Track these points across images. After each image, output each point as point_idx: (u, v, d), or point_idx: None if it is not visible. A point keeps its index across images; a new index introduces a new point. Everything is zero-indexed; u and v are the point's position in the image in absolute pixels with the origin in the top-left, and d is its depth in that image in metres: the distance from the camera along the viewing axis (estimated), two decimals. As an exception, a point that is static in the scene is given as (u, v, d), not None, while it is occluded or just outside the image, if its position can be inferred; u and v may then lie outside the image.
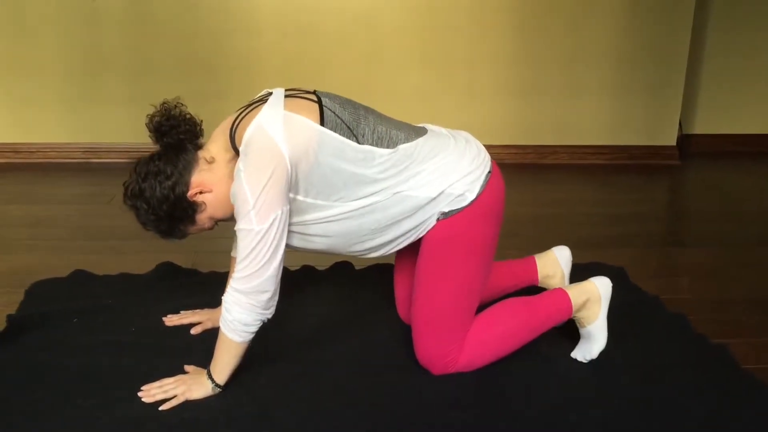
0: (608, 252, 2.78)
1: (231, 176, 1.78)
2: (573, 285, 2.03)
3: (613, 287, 2.02)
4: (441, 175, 1.81)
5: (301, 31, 3.81)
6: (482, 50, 3.90)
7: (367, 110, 1.85)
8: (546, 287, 2.22)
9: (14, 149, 3.93)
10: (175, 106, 1.83)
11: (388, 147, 1.78)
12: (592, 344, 1.98)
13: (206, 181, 1.80)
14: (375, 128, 1.79)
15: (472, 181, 1.82)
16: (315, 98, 1.78)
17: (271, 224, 1.67)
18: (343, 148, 1.73)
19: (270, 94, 1.80)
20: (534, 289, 2.20)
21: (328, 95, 1.81)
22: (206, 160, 1.80)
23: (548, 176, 3.92)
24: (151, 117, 1.81)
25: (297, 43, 3.82)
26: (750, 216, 3.36)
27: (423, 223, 1.83)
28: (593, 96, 4.02)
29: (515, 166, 3.99)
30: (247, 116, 1.76)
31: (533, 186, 3.76)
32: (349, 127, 1.75)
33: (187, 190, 1.78)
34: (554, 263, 2.23)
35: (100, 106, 3.87)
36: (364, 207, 1.79)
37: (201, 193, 1.79)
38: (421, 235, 1.87)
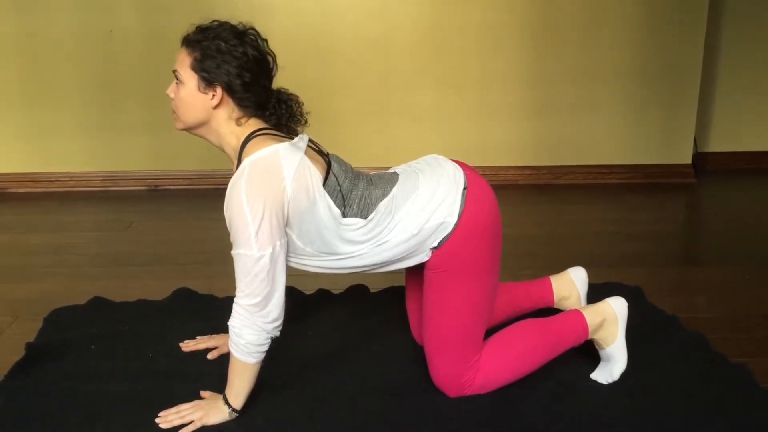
0: (625, 271, 2.77)
1: (215, 126, 1.81)
2: (588, 306, 2.03)
3: (631, 307, 2.01)
4: (417, 214, 1.83)
5: (315, 53, 3.84)
6: (495, 70, 3.92)
7: (359, 177, 1.89)
8: (562, 309, 2.21)
9: (33, 179, 3.98)
10: (306, 121, 1.89)
11: (369, 213, 1.82)
12: (613, 366, 1.98)
13: (224, 103, 1.78)
14: (362, 195, 1.84)
15: (449, 205, 1.83)
16: (327, 161, 1.85)
17: (272, 252, 1.70)
18: (331, 210, 1.78)
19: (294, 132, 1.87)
20: (550, 311, 2.20)
21: (337, 160, 1.88)
22: (236, 118, 1.81)
23: (564, 196, 3.91)
24: (295, 99, 1.88)
25: (311, 66, 3.85)
26: (767, 234, 3.33)
27: (415, 251, 1.86)
28: (607, 114, 4.02)
29: (531, 187, 3.99)
30: (269, 137, 1.79)
31: (549, 206, 3.76)
32: (343, 197, 1.81)
33: (224, 80, 1.76)
34: (570, 284, 2.23)
35: (118, 134, 3.91)
36: (354, 256, 1.85)
37: (215, 95, 1.77)
38: (417, 264, 1.89)
